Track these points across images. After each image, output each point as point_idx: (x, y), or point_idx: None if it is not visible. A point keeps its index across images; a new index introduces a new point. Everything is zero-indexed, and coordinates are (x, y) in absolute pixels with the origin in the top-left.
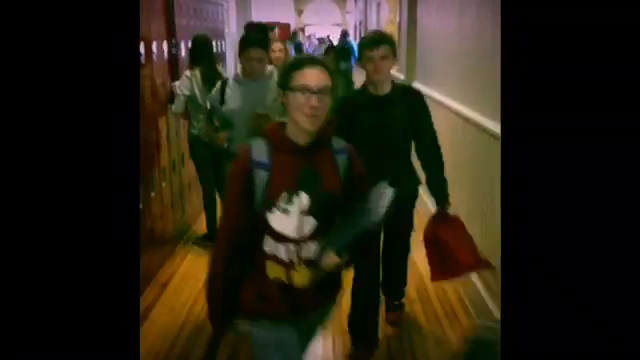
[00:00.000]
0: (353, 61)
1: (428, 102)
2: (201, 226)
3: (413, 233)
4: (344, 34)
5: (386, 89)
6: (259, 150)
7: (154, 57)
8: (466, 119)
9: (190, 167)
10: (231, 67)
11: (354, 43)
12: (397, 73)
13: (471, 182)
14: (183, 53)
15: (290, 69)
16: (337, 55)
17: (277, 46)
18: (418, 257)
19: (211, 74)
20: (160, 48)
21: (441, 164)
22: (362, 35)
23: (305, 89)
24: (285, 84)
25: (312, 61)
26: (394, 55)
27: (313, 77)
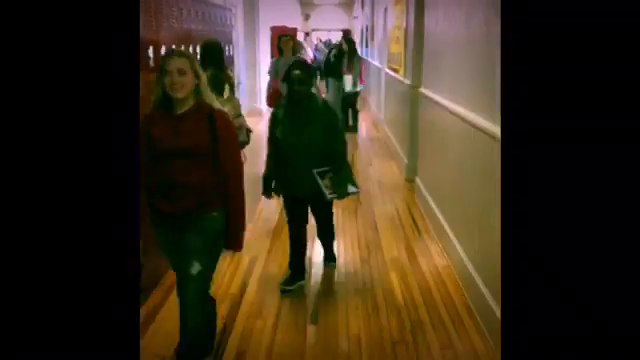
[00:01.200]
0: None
1: (436, 107)
2: None
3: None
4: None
5: None
6: None
7: None
8: (473, 125)
9: None
10: (240, 70)
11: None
12: (403, 78)
13: (480, 189)
14: None
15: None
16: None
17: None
18: (423, 261)
19: (221, 78)
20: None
21: None
22: (368, 39)
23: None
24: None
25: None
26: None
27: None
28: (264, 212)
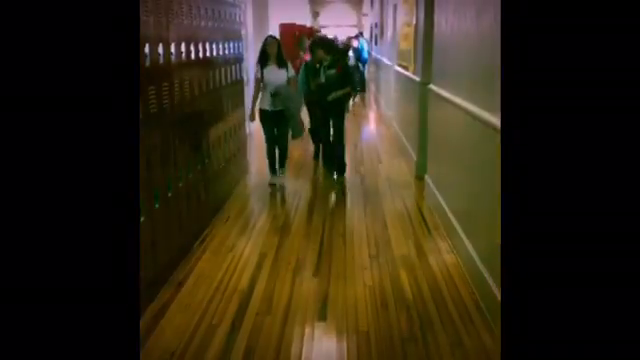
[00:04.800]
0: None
1: (446, 104)
2: (216, 225)
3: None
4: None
5: None
6: None
7: (172, 58)
8: (483, 122)
9: (206, 166)
10: (248, 67)
11: (364, 42)
12: (412, 75)
13: (489, 186)
14: (201, 54)
15: None
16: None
17: None
18: (432, 258)
19: None
20: (178, 49)
21: None
22: (377, 36)
23: None
24: None
25: None
26: None
27: None
28: (273, 208)
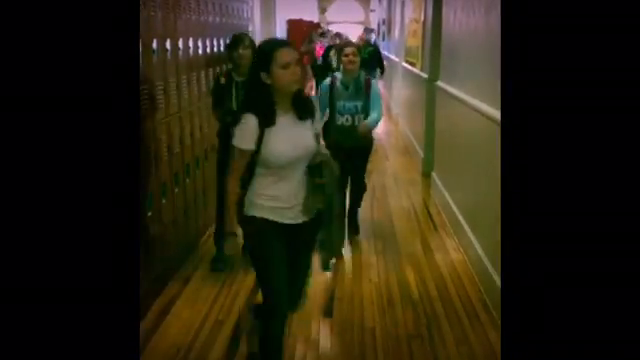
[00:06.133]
0: None
1: (453, 101)
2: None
3: None
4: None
5: None
6: None
7: (180, 53)
8: (490, 119)
9: (209, 165)
10: None
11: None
12: (420, 72)
13: (497, 183)
14: (208, 49)
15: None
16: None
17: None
18: (439, 256)
19: None
20: (186, 44)
21: None
22: (385, 33)
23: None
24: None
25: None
26: None
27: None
28: None
